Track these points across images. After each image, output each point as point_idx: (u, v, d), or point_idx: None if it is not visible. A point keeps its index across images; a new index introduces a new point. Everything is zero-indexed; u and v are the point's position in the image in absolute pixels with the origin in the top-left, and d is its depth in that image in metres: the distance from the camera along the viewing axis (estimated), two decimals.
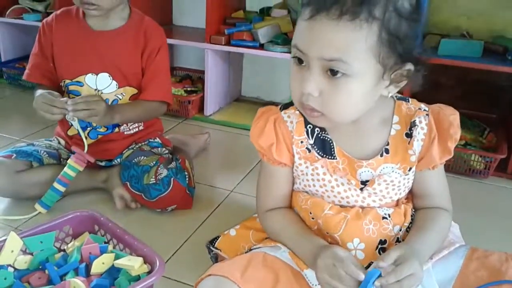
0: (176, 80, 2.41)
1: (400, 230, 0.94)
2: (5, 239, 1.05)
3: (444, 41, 1.80)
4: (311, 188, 0.97)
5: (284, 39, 2.02)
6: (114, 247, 1.13)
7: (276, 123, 0.96)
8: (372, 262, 0.88)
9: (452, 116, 0.92)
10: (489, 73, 1.75)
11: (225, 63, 2.32)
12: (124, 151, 1.56)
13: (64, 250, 1.14)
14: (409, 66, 0.82)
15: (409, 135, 0.93)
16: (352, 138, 0.93)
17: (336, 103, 0.81)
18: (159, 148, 1.59)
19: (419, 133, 0.92)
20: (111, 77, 1.48)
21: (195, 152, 1.83)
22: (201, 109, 2.28)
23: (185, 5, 2.53)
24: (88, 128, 1.50)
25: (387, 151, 0.92)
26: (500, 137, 1.86)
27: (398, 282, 0.78)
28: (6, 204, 1.48)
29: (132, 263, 1.01)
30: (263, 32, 2.06)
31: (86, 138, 1.45)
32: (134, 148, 1.55)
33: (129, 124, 1.55)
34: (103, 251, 1.08)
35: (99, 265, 1.04)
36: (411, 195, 1.00)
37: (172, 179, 1.41)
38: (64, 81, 1.50)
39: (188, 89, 2.32)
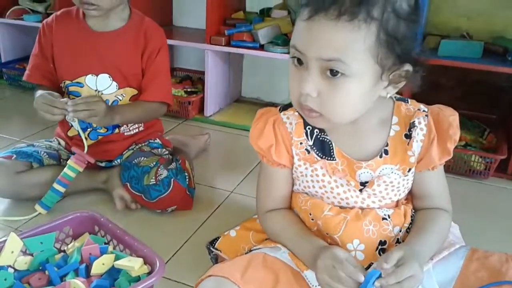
0: (176, 81, 2.41)
1: (400, 231, 0.94)
2: (5, 240, 1.05)
3: (444, 42, 1.80)
4: (311, 189, 0.97)
5: (284, 40, 2.02)
6: (114, 248, 1.13)
7: (275, 125, 0.96)
8: (372, 263, 0.89)
9: (451, 117, 0.92)
10: (489, 73, 1.75)
11: (225, 64, 2.32)
12: (124, 152, 1.56)
13: (64, 251, 1.14)
14: (408, 67, 0.82)
15: (408, 136, 0.93)
16: (351, 139, 0.93)
17: (334, 104, 0.81)
18: (159, 149, 1.59)
19: (418, 134, 0.92)
20: (111, 78, 1.48)
21: (195, 153, 1.84)
22: (201, 110, 2.29)
23: (185, 6, 2.53)
24: (88, 129, 1.50)
25: (386, 152, 0.92)
26: (500, 137, 1.86)
27: (399, 283, 0.78)
28: (6, 205, 1.48)
29: (132, 264, 1.01)
30: (263, 33, 2.06)
31: (86, 139, 1.45)
32: (134, 149, 1.55)
33: (129, 125, 1.55)
34: (103, 252, 1.08)
35: (99, 266, 1.04)
36: (410, 196, 1.00)
37: (172, 180, 1.41)
38: (64, 82, 1.50)
39: (188, 90, 2.32)
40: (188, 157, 1.62)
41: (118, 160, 1.55)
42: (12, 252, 1.05)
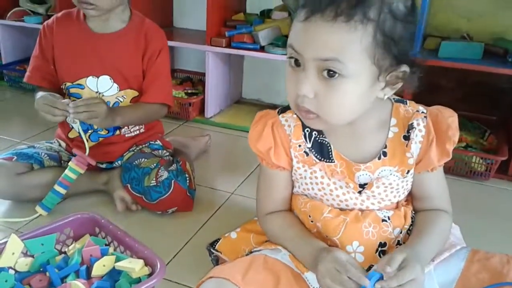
0: (176, 82, 2.41)
1: (401, 232, 0.94)
2: (6, 241, 1.05)
3: (445, 44, 1.80)
4: (310, 192, 0.97)
5: (284, 41, 2.02)
6: (115, 250, 1.12)
7: (274, 127, 0.96)
8: (372, 265, 0.88)
9: (450, 118, 0.92)
10: (490, 75, 1.75)
11: (225, 65, 2.32)
12: (125, 153, 1.56)
13: (65, 253, 1.14)
14: (405, 68, 0.82)
15: (407, 138, 0.92)
16: (350, 141, 0.93)
17: (331, 105, 0.81)
18: (160, 151, 1.59)
19: (417, 136, 0.92)
20: (112, 80, 1.48)
21: (195, 154, 1.84)
22: (201, 111, 2.29)
23: (186, 7, 2.54)
24: (89, 131, 1.50)
25: (385, 154, 0.92)
26: (501, 139, 1.86)
27: (400, 286, 0.78)
28: (7, 206, 1.48)
29: (133, 266, 1.01)
30: (263, 34, 2.06)
31: (87, 140, 1.45)
32: (135, 151, 1.55)
33: (130, 127, 1.55)
34: (104, 253, 1.08)
35: (100, 268, 1.04)
36: (410, 197, 1.00)
37: (172, 181, 1.41)
38: (65, 84, 1.50)
39: (189, 91, 2.32)
40: (188, 159, 1.62)
41: (119, 162, 1.55)
42: (13, 253, 1.05)
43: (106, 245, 1.14)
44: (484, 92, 2.01)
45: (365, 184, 0.93)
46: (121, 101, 1.50)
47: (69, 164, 1.41)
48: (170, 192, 1.40)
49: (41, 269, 1.07)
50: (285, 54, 0.85)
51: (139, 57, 1.50)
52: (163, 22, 2.29)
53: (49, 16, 2.32)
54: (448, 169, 1.74)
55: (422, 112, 0.94)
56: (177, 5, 2.56)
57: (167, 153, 1.59)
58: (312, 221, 0.96)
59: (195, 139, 1.91)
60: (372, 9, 0.76)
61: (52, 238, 1.12)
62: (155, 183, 1.40)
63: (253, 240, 1.04)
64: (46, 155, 1.51)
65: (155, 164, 1.46)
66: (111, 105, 1.48)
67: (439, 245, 0.92)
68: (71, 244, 1.16)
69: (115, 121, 1.42)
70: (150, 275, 1.01)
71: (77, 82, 1.49)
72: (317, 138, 0.95)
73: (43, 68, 1.52)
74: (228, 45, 2.13)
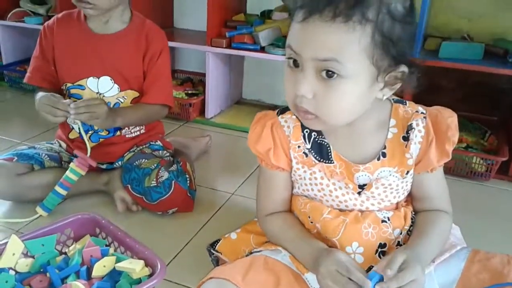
0: (177, 83, 2.41)
1: (401, 233, 0.94)
2: (7, 242, 1.05)
3: (445, 44, 1.80)
4: (310, 192, 0.97)
5: (285, 42, 2.00)
6: (115, 250, 1.13)
7: (273, 128, 0.96)
8: (372, 266, 0.88)
9: (450, 118, 0.92)
10: (490, 75, 1.75)
11: (226, 66, 2.32)
12: (125, 154, 1.56)
13: (65, 253, 1.14)
14: (403, 68, 0.82)
15: (406, 139, 0.92)
16: (349, 142, 0.93)
17: (330, 105, 0.81)
18: (160, 151, 1.59)
19: (416, 136, 0.92)
20: (112, 81, 1.48)
21: (196, 155, 1.84)
22: (202, 112, 2.29)
23: (186, 8, 2.54)
24: (90, 132, 1.50)
25: (384, 155, 0.92)
26: (501, 139, 1.86)
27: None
28: (7, 207, 1.48)
29: (133, 266, 1.01)
30: (264, 35, 2.06)
31: (88, 141, 1.44)
32: (135, 151, 1.55)
33: (130, 128, 1.55)
34: (104, 254, 1.08)
35: (100, 268, 1.04)
36: (410, 197, 1.00)
37: (173, 182, 1.41)
38: (66, 85, 1.50)
39: (189, 92, 2.32)
40: (189, 159, 1.62)
41: (119, 162, 1.55)
42: (13, 254, 1.05)
43: (106, 245, 1.14)
44: (484, 92, 2.01)
45: (365, 185, 0.93)
46: (121, 102, 1.50)
47: (70, 165, 1.41)
48: (170, 192, 1.40)
49: (42, 270, 1.07)
50: (285, 55, 0.85)
51: (140, 58, 1.50)
52: (164, 23, 2.29)
53: (49, 17, 2.32)
54: (449, 170, 1.74)
55: (422, 113, 0.93)
56: (177, 5, 2.56)
57: (168, 154, 1.59)
58: (311, 222, 0.96)
59: (196, 139, 1.91)
60: (371, 9, 0.76)
61: (52, 239, 1.12)
62: (156, 184, 1.40)
63: (253, 241, 1.04)
64: (46, 156, 1.51)
65: (155, 165, 1.46)
66: (111, 106, 1.48)
67: (439, 245, 0.92)
68: (72, 244, 1.16)
69: (115, 122, 1.42)
70: (150, 275, 1.01)
71: (77, 83, 1.49)
72: (316, 139, 0.95)
73: (44, 68, 1.52)
74: (229, 46, 2.14)
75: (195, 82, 2.50)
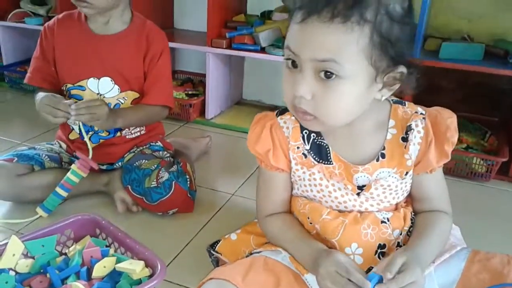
0: (177, 84, 2.41)
1: (401, 234, 0.94)
2: (7, 243, 1.05)
3: (445, 45, 1.80)
4: (309, 193, 0.97)
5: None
6: (115, 251, 1.13)
7: (272, 129, 0.96)
8: (372, 267, 0.88)
9: (449, 119, 0.92)
10: (490, 76, 1.75)
11: (226, 67, 2.32)
12: (126, 154, 1.56)
13: (65, 254, 1.14)
14: (402, 69, 0.82)
15: (405, 139, 0.92)
16: (348, 143, 0.93)
17: (328, 106, 0.81)
18: (161, 152, 1.59)
19: (416, 137, 0.92)
20: (113, 81, 1.48)
21: (196, 156, 1.84)
22: (202, 112, 2.29)
23: (187, 9, 2.54)
24: (90, 133, 1.50)
25: (383, 156, 0.92)
26: (502, 140, 1.86)
27: None
28: (7, 207, 1.48)
29: (134, 267, 1.01)
30: (264, 35, 2.06)
31: (89, 142, 1.44)
32: (136, 152, 1.55)
33: (131, 128, 1.55)
34: (104, 254, 1.08)
35: (101, 269, 1.04)
36: (410, 198, 1.00)
37: (173, 182, 1.41)
38: (66, 85, 1.50)
39: (190, 92, 2.32)
40: (189, 160, 1.62)
41: (120, 163, 1.55)
42: (14, 255, 1.05)
43: (106, 246, 1.14)
44: (484, 93, 2.01)
45: (364, 186, 0.93)
46: (122, 103, 1.51)
47: (71, 167, 1.41)
48: (170, 193, 1.40)
49: (42, 271, 1.07)
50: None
51: (140, 59, 1.50)
52: (164, 23, 2.29)
53: (49, 18, 2.32)
54: (449, 170, 1.74)
55: (421, 114, 0.93)
56: (177, 6, 2.56)
57: (168, 154, 1.59)
58: (311, 223, 0.96)
59: (196, 140, 1.91)
60: (369, 10, 0.76)
61: (52, 240, 1.12)
62: (156, 184, 1.40)
63: (253, 242, 1.04)
64: (46, 157, 1.51)
65: (155, 165, 1.46)
66: (112, 107, 1.48)
67: (439, 246, 0.92)
68: (72, 245, 1.16)
69: (116, 123, 1.42)
70: (150, 276, 1.02)
71: (78, 84, 1.49)
72: (315, 140, 0.95)
73: (44, 69, 1.52)
74: (229, 46, 2.14)
75: (195, 83, 2.50)
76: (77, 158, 1.43)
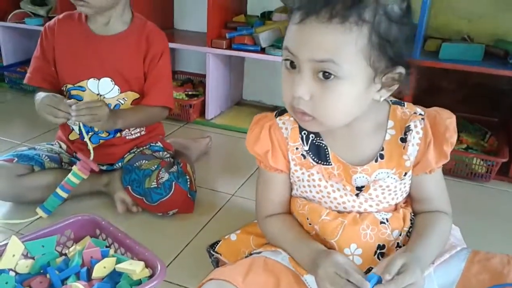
0: (177, 84, 2.41)
1: (400, 234, 0.94)
2: (7, 243, 1.05)
3: (445, 45, 1.80)
4: (308, 194, 0.97)
5: None
6: (115, 251, 1.13)
7: (271, 130, 0.96)
8: (371, 268, 0.88)
9: (448, 119, 0.92)
10: (490, 76, 1.75)
11: (226, 67, 2.32)
12: (126, 155, 1.56)
13: (65, 254, 1.14)
14: (400, 70, 0.82)
15: (404, 140, 0.92)
16: (347, 144, 0.93)
17: (327, 106, 0.81)
18: (161, 152, 1.59)
19: (414, 138, 0.92)
20: (113, 82, 1.48)
21: (196, 156, 1.84)
22: (202, 113, 2.29)
23: (187, 9, 2.54)
24: (90, 133, 1.50)
25: (382, 157, 0.92)
26: (502, 140, 1.86)
27: None
28: (7, 208, 1.48)
29: (134, 267, 1.01)
30: (264, 36, 2.06)
31: (90, 143, 1.44)
32: (136, 152, 1.55)
33: (131, 129, 1.55)
34: (104, 255, 1.08)
35: (101, 269, 1.04)
36: (410, 198, 1.00)
37: (173, 183, 1.41)
38: (66, 86, 1.50)
39: (190, 93, 2.33)
40: (189, 160, 1.62)
41: (120, 163, 1.56)
42: (14, 255, 1.05)
43: (106, 247, 1.14)
44: (484, 93, 2.01)
45: (362, 186, 0.93)
46: (122, 103, 1.50)
47: (72, 168, 1.41)
48: (170, 194, 1.40)
49: (42, 271, 1.07)
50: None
51: (140, 60, 1.50)
52: (164, 24, 2.29)
53: (49, 18, 2.32)
54: (449, 171, 1.74)
55: (420, 114, 0.93)
56: (177, 7, 2.56)
57: (168, 155, 1.59)
58: (310, 224, 0.96)
59: (196, 140, 1.91)
60: (367, 10, 0.76)
61: (52, 240, 1.12)
62: (156, 185, 1.40)
63: (253, 242, 1.04)
64: (46, 157, 1.51)
65: (155, 166, 1.46)
66: (112, 107, 1.49)
67: (439, 247, 0.92)
68: (72, 246, 1.16)
69: (116, 124, 1.42)
70: (150, 277, 1.01)
71: (78, 84, 1.49)
72: (314, 141, 0.95)
73: (44, 69, 1.52)
74: (229, 47, 2.14)
75: (195, 83, 2.50)
76: (78, 159, 1.43)
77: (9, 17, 2.60)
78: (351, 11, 0.75)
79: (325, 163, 0.94)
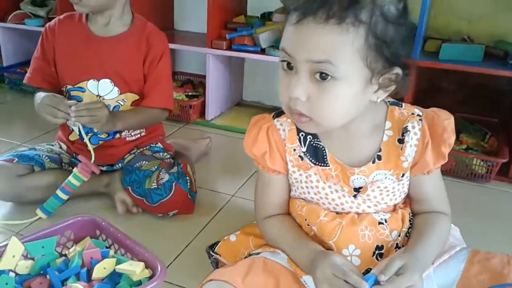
0: (177, 85, 2.41)
1: (399, 235, 0.94)
2: (7, 244, 1.05)
3: (445, 46, 1.80)
4: (306, 195, 0.97)
5: None
6: (115, 252, 1.12)
7: (269, 131, 0.96)
8: (370, 268, 0.88)
9: (446, 120, 0.92)
10: (490, 77, 1.75)
11: (226, 68, 2.32)
12: (126, 156, 1.56)
13: (65, 255, 1.14)
14: (397, 70, 0.82)
15: (401, 141, 0.92)
16: (344, 145, 0.93)
17: (323, 107, 0.81)
18: (161, 153, 1.59)
19: (412, 139, 0.91)
20: (112, 83, 1.48)
21: (196, 157, 1.84)
22: (202, 113, 2.29)
23: (187, 10, 2.54)
24: (90, 134, 1.50)
25: (379, 158, 0.92)
26: (502, 141, 1.86)
27: None
28: (7, 209, 1.48)
29: (134, 268, 1.01)
30: (264, 37, 2.07)
31: (89, 144, 1.44)
32: (136, 153, 1.55)
33: (131, 130, 1.55)
34: (104, 256, 1.08)
35: (101, 270, 1.04)
36: (408, 199, 1.00)
37: (173, 183, 1.41)
38: (66, 87, 1.50)
39: (190, 93, 2.33)
40: (189, 161, 1.62)
41: (120, 164, 1.56)
42: (13, 256, 1.05)
43: (106, 247, 1.14)
44: (484, 94, 2.01)
45: (360, 187, 0.93)
46: (121, 105, 1.50)
47: (73, 170, 1.41)
48: (171, 194, 1.40)
49: (42, 272, 1.07)
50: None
51: (140, 61, 1.50)
52: (164, 25, 2.30)
53: (49, 19, 2.33)
54: (449, 171, 1.74)
55: (418, 115, 0.93)
56: (178, 7, 2.56)
57: (168, 156, 1.59)
58: (308, 225, 0.95)
59: (196, 141, 1.91)
60: (364, 11, 0.76)
61: (52, 241, 1.12)
62: (156, 186, 1.40)
63: (252, 243, 1.04)
64: (47, 157, 1.51)
65: (156, 167, 1.46)
66: (111, 109, 1.49)
67: (439, 247, 0.92)
68: (72, 246, 1.16)
69: (115, 126, 1.42)
70: (150, 277, 1.01)
71: (78, 85, 1.49)
72: (311, 142, 0.95)
73: (44, 69, 1.52)
74: (229, 48, 2.14)
75: (195, 84, 2.50)
76: (78, 160, 1.43)
77: (9, 18, 2.61)
78: (348, 12, 0.75)
79: (322, 165, 0.94)
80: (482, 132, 1.93)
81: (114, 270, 1.04)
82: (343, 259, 0.86)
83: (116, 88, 1.49)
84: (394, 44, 0.79)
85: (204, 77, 2.29)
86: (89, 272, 1.05)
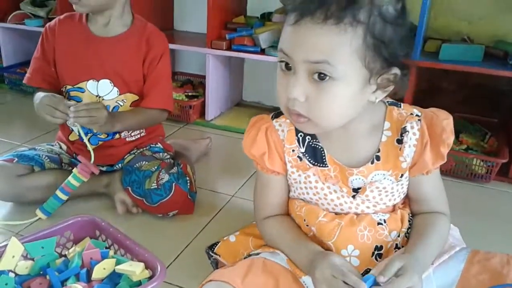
0: (177, 85, 2.41)
1: (398, 235, 0.93)
2: (6, 245, 1.05)
3: (445, 46, 1.80)
4: (305, 196, 0.97)
5: None
6: (115, 253, 1.12)
7: (267, 132, 0.96)
8: (369, 269, 0.88)
9: (445, 121, 0.92)
10: (490, 77, 1.75)
11: (226, 68, 2.32)
12: (126, 156, 1.56)
13: (65, 256, 1.14)
14: (395, 71, 0.82)
15: (400, 142, 0.92)
16: (343, 146, 0.93)
17: (322, 108, 0.81)
18: (161, 153, 1.59)
19: (411, 139, 0.91)
20: (112, 84, 1.48)
21: (196, 157, 1.84)
22: (202, 114, 2.29)
23: (186, 10, 2.54)
24: (89, 134, 1.50)
25: (378, 158, 0.92)
26: (502, 141, 1.86)
27: None
28: (7, 209, 1.48)
29: (134, 269, 1.01)
30: (264, 37, 2.07)
31: (89, 144, 1.44)
32: (136, 153, 1.55)
33: (130, 131, 1.55)
34: (104, 256, 1.08)
35: (100, 271, 1.04)
36: (408, 199, 1.00)
37: (173, 184, 1.40)
38: (66, 87, 1.50)
39: (189, 94, 2.33)
40: (189, 161, 1.62)
41: (120, 165, 1.56)
42: (13, 256, 1.05)
43: (106, 248, 1.14)
44: (484, 94, 2.01)
45: (359, 188, 0.93)
46: (121, 105, 1.50)
47: (73, 171, 1.41)
48: (171, 195, 1.40)
49: (41, 272, 1.07)
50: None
51: (140, 62, 1.50)
52: (164, 25, 2.30)
53: (49, 19, 2.33)
54: (449, 171, 1.74)
55: (417, 115, 0.93)
56: (177, 8, 2.56)
57: (168, 156, 1.59)
58: (307, 225, 0.95)
59: (196, 141, 1.91)
60: (362, 11, 0.76)
61: (52, 241, 1.12)
62: (156, 186, 1.40)
63: (252, 244, 1.04)
64: (47, 158, 1.51)
65: (156, 167, 1.46)
66: (110, 109, 1.49)
67: (438, 248, 0.92)
68: (71, 247, 1.16)
69: (114, 127, 1.42)
70: (150, 278, 1.01)
71: (77, 85, 1.49)
72: (310, 143, 0.95)
73: (44, 69, 1.52)
74: (229, 48, 2.14)
75: (195, 84, 2.50)
76: (78, 160, 1.43)
77: (9, 18, 2.61)
78: (346, 12, 0.75)
79: (321, 165, 0.94)
80: (482, 132, 1.93)
81: (114, 270, 1.04)
82: (342, 260, 0.86)
83: (115, 89, 1.49)
84: (392, 44, 0.79)
85: (204, 77, 2.29)
86: (89, 273, 1.05)
